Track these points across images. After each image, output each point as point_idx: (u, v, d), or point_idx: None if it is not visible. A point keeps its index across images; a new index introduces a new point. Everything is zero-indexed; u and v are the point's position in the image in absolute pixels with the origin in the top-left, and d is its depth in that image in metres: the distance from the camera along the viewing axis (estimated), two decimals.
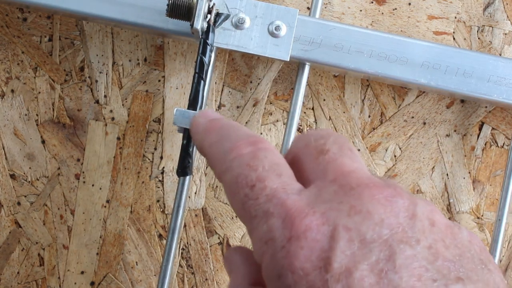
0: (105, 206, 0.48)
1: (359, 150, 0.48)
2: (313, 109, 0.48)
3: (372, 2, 0.48)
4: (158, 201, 0.48)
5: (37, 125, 0.48)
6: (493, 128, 0.49)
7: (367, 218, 0.22)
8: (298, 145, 0.27)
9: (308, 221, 0.22)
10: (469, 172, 0.49)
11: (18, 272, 0.48)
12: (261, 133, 0.48)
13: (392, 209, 0.22)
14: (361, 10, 0.48)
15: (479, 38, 0.48)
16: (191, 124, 0.31)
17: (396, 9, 0.48)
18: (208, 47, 0.40)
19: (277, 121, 0.48)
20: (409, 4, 0.48)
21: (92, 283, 0.48)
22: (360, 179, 0.24)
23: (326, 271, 0.20)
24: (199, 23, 0.38)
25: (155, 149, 0.48)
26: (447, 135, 0.48)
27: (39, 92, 0.47)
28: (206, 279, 0.48)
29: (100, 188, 0.48)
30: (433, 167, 0.49)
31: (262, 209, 0.23)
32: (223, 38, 0.42)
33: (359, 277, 0.20)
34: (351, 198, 0.22)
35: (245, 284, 0.26)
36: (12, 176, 0.48)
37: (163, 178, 0.48)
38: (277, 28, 0.42)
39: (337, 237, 0.21)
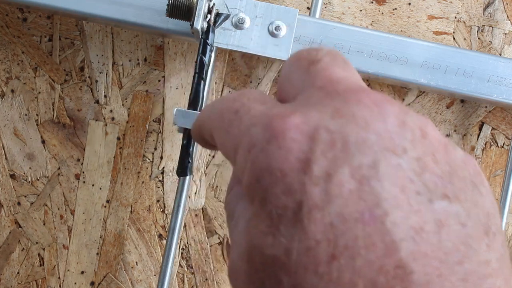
0: (105, 206, 0.48)
1: None
2: None
3: (372, 2, 0.48)
4: (158, 201, 0.48)
5: (37, 125, 0.48)
6: (493, 128, 0.49)
7: (352, 122, 0.20)
8: (291, 59, 0.26)
9: (288, 120, 0.20)
10: None
11: (18, 272, 0.48)
12: None
13: (380, 114, 0.20)
14: (361, 10, 0.48)
15: (479, 38, 0.48)
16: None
17: (396, 9, 0.48)
18: (208, 47, 0.40)
19: None
20: (409, 4, 0.48)
21: (92, 283, 0.48)
22: (348, 85, 0.22)
23: (304, 173, 0.19)
24: (199, 23, 0.38)
25: (155, 149, 0.48)
26: (447, 135, 0.48)
27: (39, 92, 0.47)
28: (206, 279, 0.48)
29: (100, 188, 0.48)
30: None
31: (245, 125, 0.22)
32: (223, 38, 0.42)
33: (338, 182, 0.19)
34: (336, 102, 0.21)
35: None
36: (12, 176, 0.48)
37: (163, 178, 0.48)
38: (277, 28, 0.42)
39: (318, 138, 0.20)
